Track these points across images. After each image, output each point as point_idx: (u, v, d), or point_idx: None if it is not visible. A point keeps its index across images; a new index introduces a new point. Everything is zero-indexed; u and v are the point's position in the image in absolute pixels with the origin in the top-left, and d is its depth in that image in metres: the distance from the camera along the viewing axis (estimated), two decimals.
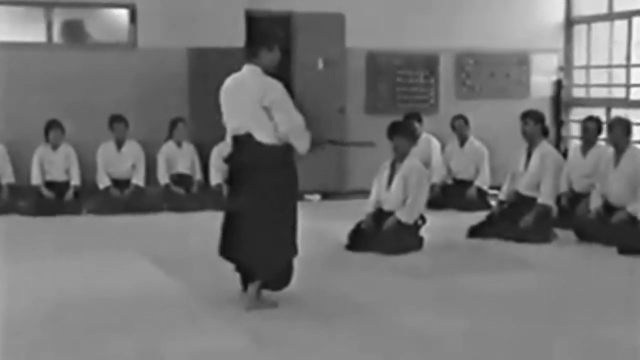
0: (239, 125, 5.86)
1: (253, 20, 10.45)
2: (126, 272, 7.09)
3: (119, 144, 10.51)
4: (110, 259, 7.54)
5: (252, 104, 5.76)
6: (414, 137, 8.52)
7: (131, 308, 5.97)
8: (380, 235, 7.82)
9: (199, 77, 10.72)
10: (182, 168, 10.66)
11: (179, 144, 10.65)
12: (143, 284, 6.70)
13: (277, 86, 5.83)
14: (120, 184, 10.42)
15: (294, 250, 5.98)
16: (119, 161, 10.49)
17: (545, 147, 8.61)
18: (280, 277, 5.99)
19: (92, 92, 10.65)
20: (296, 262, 6.05)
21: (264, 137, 5.79)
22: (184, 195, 10.48)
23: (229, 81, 5.98)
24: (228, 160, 6.02)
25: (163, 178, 10.54)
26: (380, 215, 8.02)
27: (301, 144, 5.90)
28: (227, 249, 5.98)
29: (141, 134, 10.62)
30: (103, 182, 10.38)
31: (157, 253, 7.73)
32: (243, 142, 5.85)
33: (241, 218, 5.86)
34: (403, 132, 8.13)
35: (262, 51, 5.87)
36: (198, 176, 10.68)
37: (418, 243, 7.92)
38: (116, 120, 10.43)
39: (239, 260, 6.00)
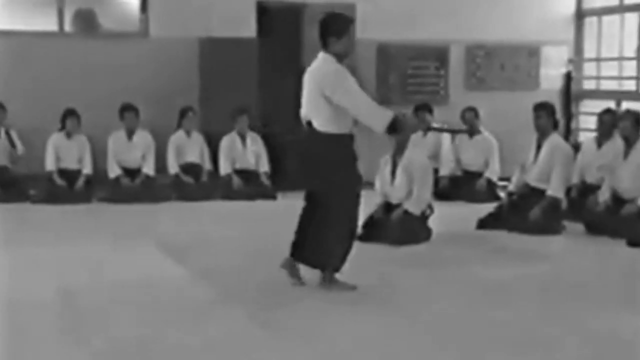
0: (305, 113, 6.07)
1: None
2: (135, 260, 7.13)
3: (130, 133, 10.54)
4: (119, 247, 7.60)
5: (314, 92, 5.95)
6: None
7: (140, 295, 6.02)
8: (389, 226, 7.84)
9: (209, 67, 10.76)
10: (192, 157, 10.67)
11: (188, 134, 10.67)
12: (152, 271, 6.75)
13: (334, 74, 5.93)
14: (131, 173, 10.45)
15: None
16: (130, 150, 10.52)
17: (555, 139, 8.60)
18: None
19: (103, 82, 10.69)
20: None
21: (320, 125, 5.94)
22: (193, 184, 10.51)
23: (309, 68, 6.16)
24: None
25: (173, 167, 10.57)
26: (389, 206, 8.04)
27: (374, 123, 5.94)
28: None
29: (152, 123, 10.64)
30: (113, 171, 10.41)
31: (166, 241, 7.77)
32: (307, 128, 6.05)
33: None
34: None
35: (330, 40, 6.01)
36: (207, 165, 10.70)
37: (427, 234, 7.93)
38: (127, 109, 10.45)
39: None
